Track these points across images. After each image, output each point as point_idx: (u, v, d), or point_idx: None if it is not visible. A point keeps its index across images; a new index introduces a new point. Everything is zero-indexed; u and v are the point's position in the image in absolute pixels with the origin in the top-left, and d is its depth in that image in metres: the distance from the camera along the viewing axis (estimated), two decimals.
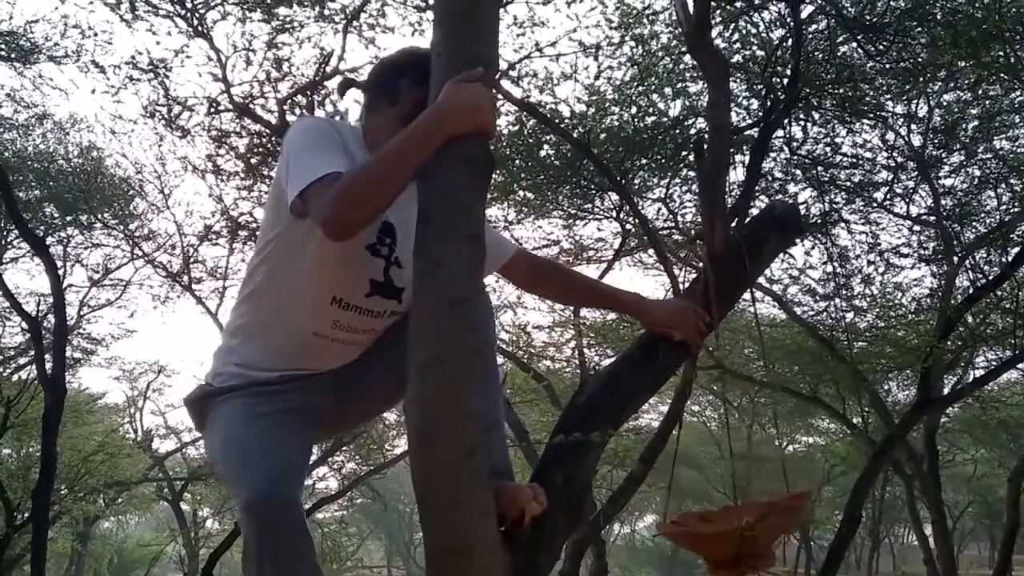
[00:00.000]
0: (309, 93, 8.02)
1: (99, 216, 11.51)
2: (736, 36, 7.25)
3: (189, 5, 7.40)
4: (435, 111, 1.60)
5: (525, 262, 2.23)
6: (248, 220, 9.77)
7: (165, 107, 8.19)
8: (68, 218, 11.65)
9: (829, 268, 9.34)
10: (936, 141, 8.63)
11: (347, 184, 1.62)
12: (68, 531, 21.79)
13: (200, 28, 7.57)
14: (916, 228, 9.37)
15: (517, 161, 8.31)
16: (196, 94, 8.32)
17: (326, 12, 7.47)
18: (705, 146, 2.16)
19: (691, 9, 2.36)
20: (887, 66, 7.18)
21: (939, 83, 7.89)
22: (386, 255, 1.86)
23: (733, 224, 5.84)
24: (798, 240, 8.02)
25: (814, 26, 7.12)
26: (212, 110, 8.15)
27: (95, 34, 8.08)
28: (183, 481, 21.18)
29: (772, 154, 8.01)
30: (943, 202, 8.96)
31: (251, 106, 8.05)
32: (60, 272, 11.44)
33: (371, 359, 1.97)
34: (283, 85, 7.97)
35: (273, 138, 8.24)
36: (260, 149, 8.52)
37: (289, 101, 7.99)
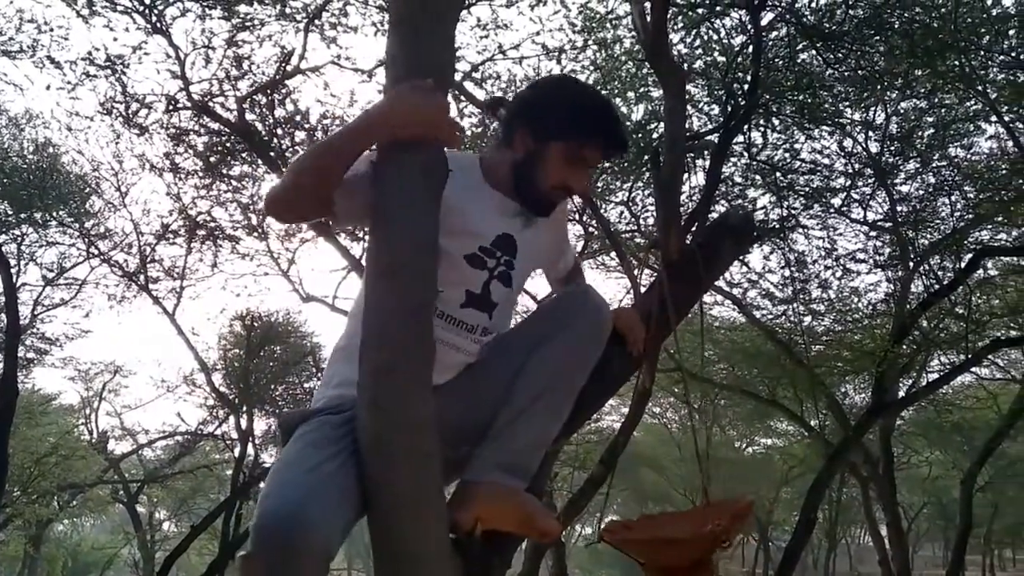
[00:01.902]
0: (269, 92, 7.96)
1: (54, 214, 11.32)
2: (697, 42, 7.32)
3: (147, 1, 7.30)
4: (373, 111, 1.59)
5: (565, 279, 2.24)
6: (206, 219, 9.67)
7: (122, 104, 8.09)
8: (22, 216, 11.43)
9: (787, 272, 9.44)
10: (893, 148, 8.76)
11: (283, 173, 1.70)
12: (20, 534, 21.40)
13: (159, 24, 7.48)
14: (872, 234, 9.51)
15: None
16: (154, 91, 8.22)
17: (287, 10, 7.42)
18: (661, 157, 2.17)
19: (648, 18, 2.37)
20: (845, 74, 7.28)
21: (896, 91, 8.01)
22: (491, 268, 1.85)
23: (693, 228, 5.89)
24: (752, 247, 8.10)
25: (774, 33, 7.20)
26: (170, 107, 8.06)
27: (51, 29, 7.95)
28: (139, 483, 20.88)
29: (732, 159, 8.09)
30: (899, 208, 9.11)
31: (210, 104, 7.97)
32: (13, 271, 11.23)
33: (465, 401, 1.82)
34: (243, 83, 7.91)
35: (232, 137, 8.15)
36: (219, 148, 8.43)
37: (249, 99, 7.92)
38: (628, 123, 8.01)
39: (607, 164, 7.82)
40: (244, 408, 14.15)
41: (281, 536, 1.38)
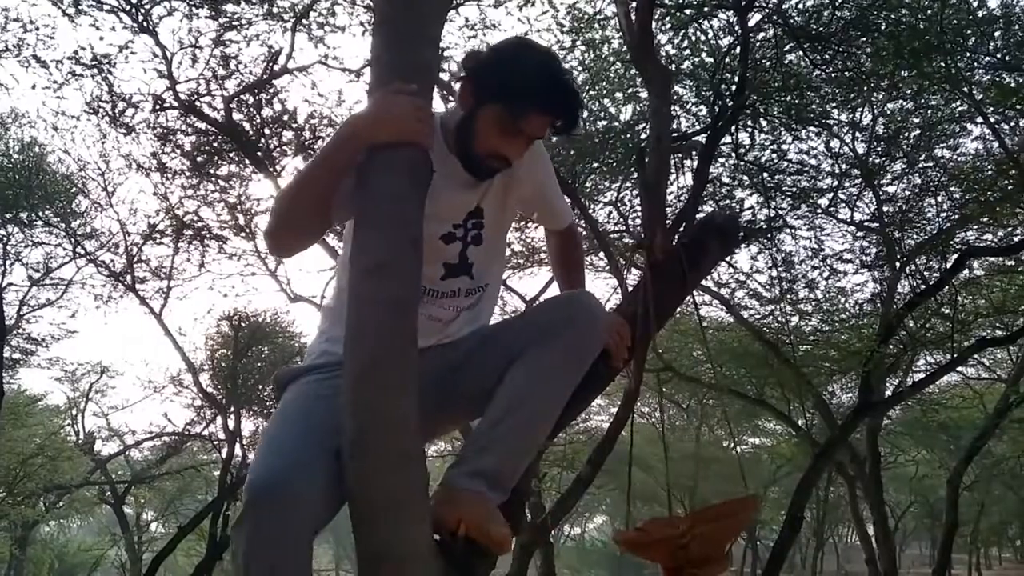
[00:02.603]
0: (257, 91, 7.93)
1: (40, 213, 11.24)
2: (685, 43, 7.33)
3: (134, 0, 7.26)
4: (356, 117, 1.60)
5: (559, 243, 2.20)
6: (193, 219, 9.63)
7: (109, 103, 8.05)
8: (8, 215, 11.35)
9: (774, 273, 9.46)
10: (879, 149, 8.79)
11: (272, 208, 1.73)
12: (6, 535, 21.27)
13: (145, 24, 7.44)
14: (859, 234, 9.54)
15: None
16: (141, 91, 8.18)
17: (274, 10, 7.39)
18: (646, 157, 2.17)
19: (634, 18, 2.37)
20: (832, 75, 7.30)
21: (882, 92, 8.04)
22: (462, 237, 1.87)
23: (680, 228, 5.90)
24: (738, 248, 8.12)
25: (761, 35, 7.22)
26: (157, 107, 8.02)
27: (37, 28, 7.90)
28: (126, 484, 20.77)
29: (720, 160, 8.10)
30: (885, 209, 9.14)
31: (197, 104, 7.93)
32: None
33: (461, 370, 1.87)
34: (230, 83, 7.88)
35: (220, 136, 8.12)
36: (206, 147, 8.40)
37: (236, 99, 7.89)
38: (616, 124, 8.02)
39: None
40: (231, 409, 14.10)
41: (267, 503, 1.46)
